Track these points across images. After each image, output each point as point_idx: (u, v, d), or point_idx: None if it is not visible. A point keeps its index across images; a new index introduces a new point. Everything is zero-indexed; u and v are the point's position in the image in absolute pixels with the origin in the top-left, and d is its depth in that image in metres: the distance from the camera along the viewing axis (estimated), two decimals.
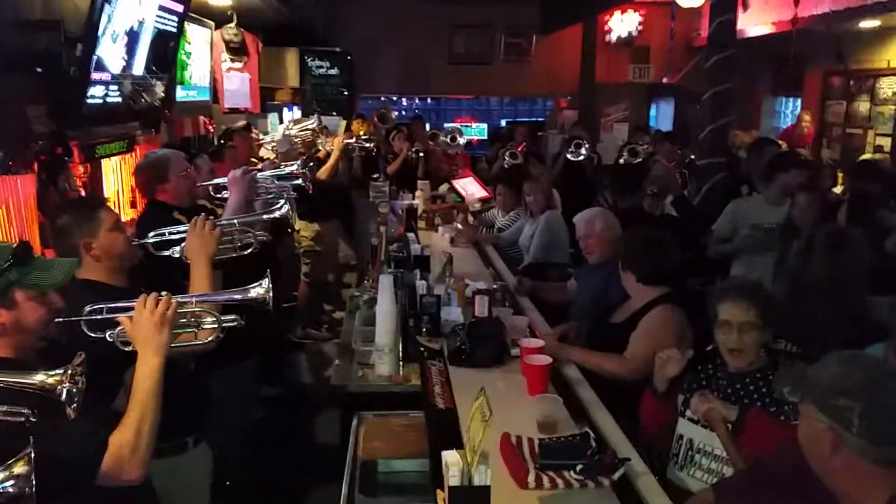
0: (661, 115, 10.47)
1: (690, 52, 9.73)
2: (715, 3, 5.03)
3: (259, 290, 1.94)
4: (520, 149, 7.90)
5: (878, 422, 1.43)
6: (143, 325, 1.74)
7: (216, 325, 1.86)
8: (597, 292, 3.41)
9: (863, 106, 8.15)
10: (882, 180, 4.91)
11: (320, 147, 5.91)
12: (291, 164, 4.02)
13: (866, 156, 6.62)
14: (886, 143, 7.70)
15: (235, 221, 2.71)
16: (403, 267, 3.67)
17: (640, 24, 9.63)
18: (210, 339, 1.89)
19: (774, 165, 4.37)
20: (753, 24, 7.98)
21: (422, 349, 2.88)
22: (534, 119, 13.00)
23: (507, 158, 6.98)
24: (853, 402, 1.44)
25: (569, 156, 6.84)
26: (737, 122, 8.67)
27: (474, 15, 9.95)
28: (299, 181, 3.66)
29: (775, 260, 3.88)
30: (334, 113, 8.59)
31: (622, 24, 9.68)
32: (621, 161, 6.37)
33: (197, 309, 1.87)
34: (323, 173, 5.46)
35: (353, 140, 5.74)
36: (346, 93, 9.14)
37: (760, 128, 9.94)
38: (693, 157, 5.81)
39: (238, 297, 1.96)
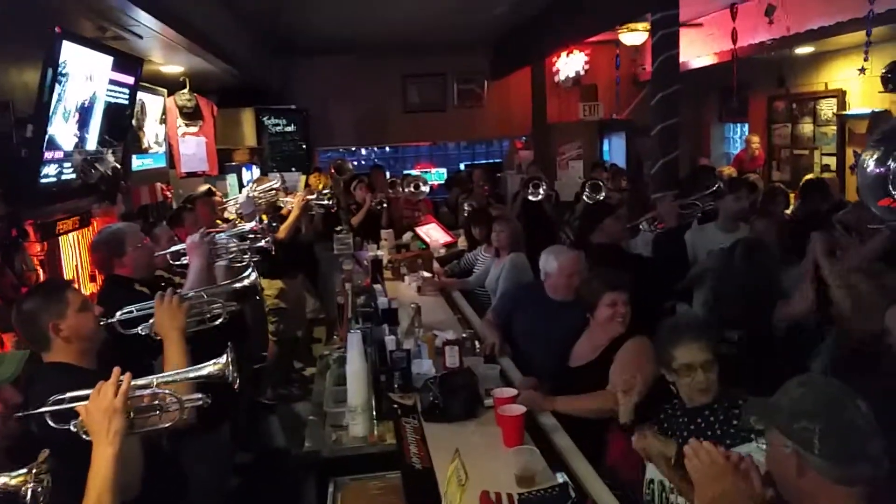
0: (614, 150, 10.70)
1: (637, 87, 10.03)
2: (657, 41, 5.18)
3: (215, 366, 1.89)
4: (485, 191, 8.02)
5: (838, 441, 1.47)
6: (96, 414, 1.68)
7: (180, 408, 1.82)
8: (562, 329, 3.42)
9: (807, 128, 8.46)
10: (829, 198, 5.09)
11: (282, 205, 5.92)
12: (250, 223, 4.02)
13: (812, 176, 6.83)
14: (832, 161, 7.98)
15: (203, 294, 2.69)
16: (371, 321, 3.66)
17: (586, 63, 9.89)
18: (177, 420, 1.85)
19: (716, 193, 4.52)
20: (696, 55, 8.27)
21: (395, 406, 2.86)
22: (491, 161, 13.17)
23: (465, 208, 7.06)
24: (813, 424, 1.48)
25: (530, 197, 6.95)
26: (688, 151, 8.93)
27: (426, 64, 10.14)
28: (261, 243, 3.66)
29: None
30: (293, 168, 8.62)
31: (569, 64, 9.93)
32: (585, 198, 6.48)
33: (158, 391, 1.83)
34: (283, 231, 5.45)
35: (314, 196, 5.76)
36: (304, 147, 9.19)
37: (711, 154, 10.23)
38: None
39: (193, 375, 1.92)
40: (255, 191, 5.81)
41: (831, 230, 4.36)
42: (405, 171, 11.15)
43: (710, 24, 8.08)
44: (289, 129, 8.98)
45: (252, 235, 3.44)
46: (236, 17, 6.66)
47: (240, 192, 6.80)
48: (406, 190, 7.95)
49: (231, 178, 7.36)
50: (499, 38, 9.36)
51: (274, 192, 5.83)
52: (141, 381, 1.82)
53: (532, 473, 2.25)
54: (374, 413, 2.76)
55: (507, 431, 2.54)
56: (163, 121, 5.94)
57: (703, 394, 2.27)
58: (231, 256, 3.38)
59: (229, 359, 1.89)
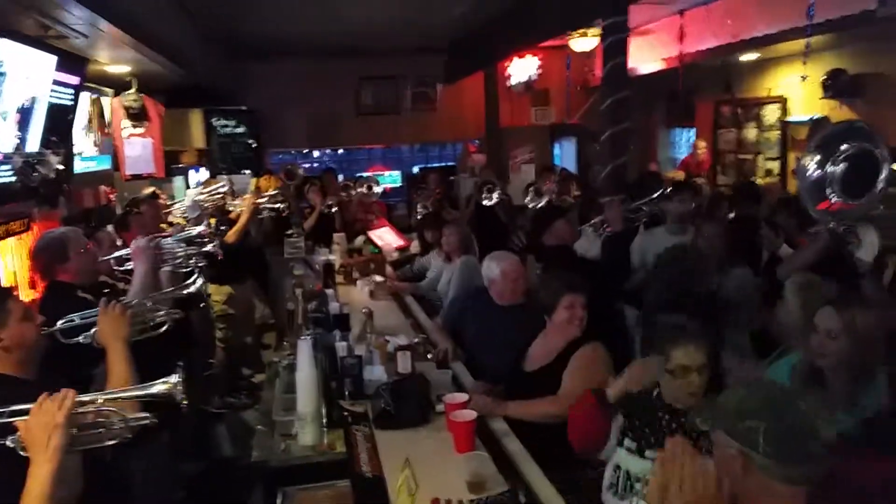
0: (566, 154, 10.83)
1: (587, 92, 10.16)
2: (607, 47, 5.26)
3: (164, 385, 1.84)
4: (434, 197, 8.02)
5: (782, 441, 1.50)
6: (36, 430, 1.62)
7: (124, 426, 1.76)
8: (512, 334, 3.43)
9: (751, 133, 8.69)
10: (761, 202, 5.24)
11: (231, 209, 5.81)
12: (197, 227, 3.94)
13: (758, 180, 7.03)
14: (776, 166, 8.23)
15: (147, 301, 2.63)
16: (322, 327, 3.62)
17: (538, 68, 9.97)
18: (120, 438, 1.79)
19: (662, 196, 4.61)
20: (644, 62, 8.42)
21: (346, 413, 2.83)
22: (445, 164, 13.19)
23: (419, 209, 7.06)
24: (757, 424, 1.51)
25: (484, 202, 6.99)
26: (637, 156, 9.09)
27: (380, 67, 10.10)
28: (208, 247, 3.59)
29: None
30: (243, 171, 8.50)
31: (521, 69, 10.00)
32: (527, 202, 6.55)
33: (103, 408, 1.77)
34: (232, 235, 5.35)
35: (264, 200, 5.67)
36: (254, 149, 9.07)
37: (658, 159, 10.44)
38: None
39: (140, 394, 1.87)
40: (201, 193, 5.69)
41: (761, 232, 4.52)
42: (358, 174, 11.07)
43: (658, 31, 8.25)
44: (239, 130, 8.85)
45: (200, 240, 3.37)
46: (186, 16, 6.53)
47: (186, 194, 6.65)
48: (359, 191, 7.92)
49: (178, 181, 7.21)
50: (452, 42, 9.39)
51: (222, 195, 5.72)
52: (85, 398, 1.75)
53: (483, 479, 2.25)
54: (325, 421, 2.72)
55: (458, 437, 2.54)
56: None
57: (691, 397, 2.27)
58: (177, 262, 3.31)
59: (179, 378, 1.84)
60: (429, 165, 13.46)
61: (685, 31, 6.87)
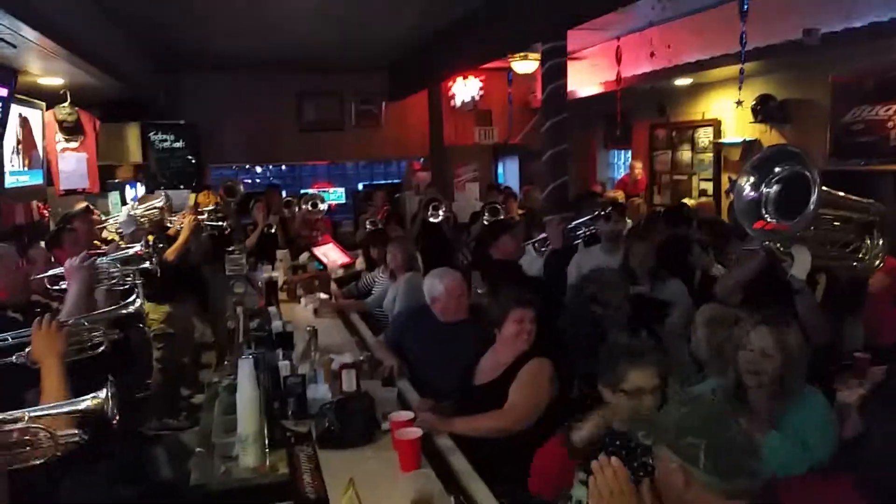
0: (508, 173, 11.00)
1: (529, 113, 10.37)
2: (546, 71, 5.40)
3: (93, 401, 1.79)
4: (381, 214, 8.03)
5: (722, 457, 1.56)
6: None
7: (53, 444, 1.71)
8: (456, 350, 3.45)
9: (685, 154, 9.00)
10: (692, 223, 5.44)
11: (169, 225, 5.69)
12: (135, 246, 3.85)
13: (691, 200, 7.27)
14: (709, 186, 8.53)
15: (84, 321, 2.56)
16: (265, 346, 3.57)
17: (481, 89, 10.15)
18: (49, 456, 1.73)
19: (597, 216, 4.75)
20: (583, 85, 8.65)
21: (288, 434, 2.79)
22: (390, 181, 13.20)
23: (367, 225, 7.05)
24: (698, 441, 1.57)
25: (430, 219, 7.04)
26: (577, 175, 9.31)
27: (323, 83, 10.08)
28: (145, 264, 3.52)
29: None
30: (182, 186, 8.32)
31: (465, 89, 10.15)
32: (485, 221, 6.64)
33: (31, 426, 1.71)
34: (172, 253, 5.24)
35: (205, 217, 5.57)
36: (193, 164, 8.90)
37: (597, 179, 10.71)
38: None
39: (68, 409, 1.82)
40: (136, 209, 5.55)
41: (693, 252, 4.69)
42: (303, 191, 10.97)
43: (596, 56, 8.49)
44: (177, 145, 8.67)
45: (137, 259, 3.30)
46: (123, 28, 6.40)
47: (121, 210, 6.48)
48: (303, 208, 7.86)
49: (113, 196, 7.01)
50: (396, 60, 9.46)
51: (159, 210, 5.59)
52: (10, 416, 1.70)
53: (428, 498, 2.26)
54: (266, 442, 2.68)
55: (403, 456, 2.54)
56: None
57: (643, 421, 2.25)
58: (113, 281, 3.23)
59: (109, 393, 1.79)
60: (374, 182, 13.43)
61: (622, 56, 7.08)
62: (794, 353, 2.37)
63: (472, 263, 6.79)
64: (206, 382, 4.28)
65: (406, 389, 3.42)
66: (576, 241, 4.97)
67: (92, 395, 1.80)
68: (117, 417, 1.81)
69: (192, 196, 7.50)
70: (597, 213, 4.97)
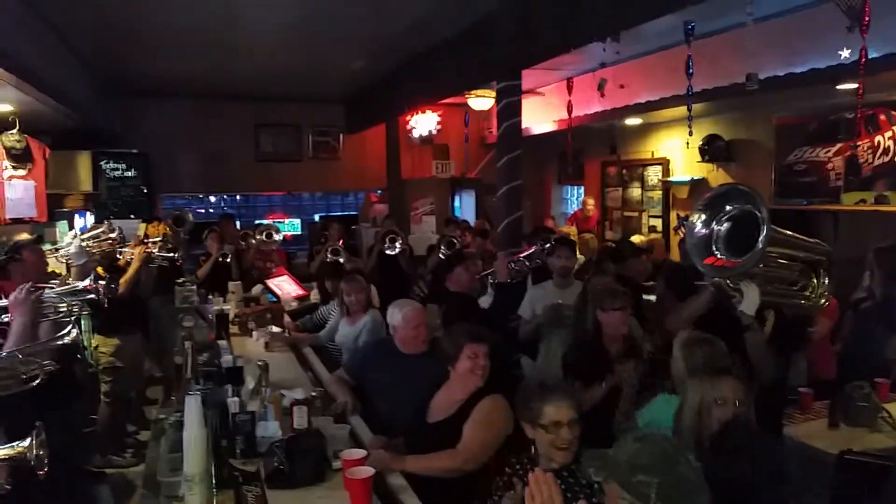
0: (465, 206, 11.09)
1: (485, 148, 10.52)
2: (502, 108, 5.50)
3: (14, 450, 1.71)
4: (336, 244, 7.97)
5: (672, 494, 1.58)
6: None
7: None
8: (415, 383, 3.43)
9: (635, 192, 9.22)
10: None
11: (119, 256, 5.56)
12: (84, 281, 3.75)
13: (637, 238, 7.41)
14: (658, 223, 8.74)
15: (18, 354, 2.48)
16: (213, 381, 3.49)
17: (438, 123, 10.27)
18: None
19: (547, 251, 4.82)
20: (537, 122, 8.83)
21: (236, 473, 2.73)
22: (347, 212, 13.18)
23: (328, 255, 7.00)
24: (650, 478, 1.59)
25: (387, 251, 7.03)
26: (532, 210, 9.44)
27: (280, 114, 10.09)
28: (91, 294, 3.42)
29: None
30: (133, 216, 8.17)
31: (422, 123, 10.27)
32: (441, 255, 6.66)
33: None
34: (122, 285, 5.12)
35: (156, 250, 5.47)
36: (145, 193, 8.76)
37: (551, 213, 10.87)
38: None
39: None
40: (86, 239, 5.41)
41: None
42: (257, 221, 10.86)
43: (550, 94, 8.69)
44: (129, 174, 8.54)
45: (86, 291, 3.21)
46: (74, 55, 6.32)
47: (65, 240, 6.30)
48: (258, 238, 7.76)
49: (62, 225, 6.84)
50: (354, 93, 9.53)
51: (111, 241, 5.46)
52: None
53: None
54: (213, 482, 2.61)
55: (353, 495, 2.50)
56: None
57: (563, 453, 2.34)
58: (60, 316, 3.14)
59: (34, 441, 1.71)
60: (330, 214, 13.38)
61: (574, 96, 7.26)
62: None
63: (429, 296, 6.82)
64: (152, 418, 4.16)
65: (359, 426, 3.38)
66: (518, 277, 5.00)
67: (11, 444, 1.71)
68: (45, 466, 1.73)
69: (142, 226, 7.36)
70: (539, 246, 5.04)
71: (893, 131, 5.81)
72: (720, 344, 2.96)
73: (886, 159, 5.90)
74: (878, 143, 5.93)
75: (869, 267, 4.94)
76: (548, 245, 4.98)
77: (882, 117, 5.87)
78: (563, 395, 2.39)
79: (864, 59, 3.93)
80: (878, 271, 4.62)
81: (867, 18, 3.81)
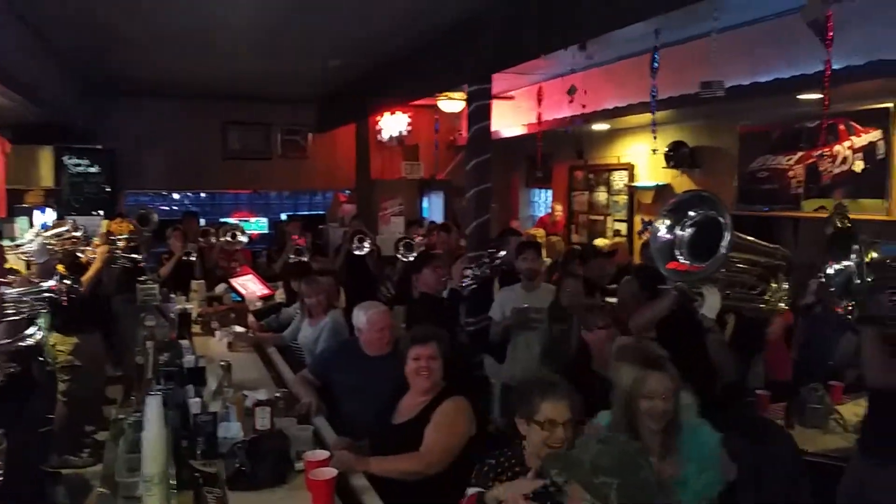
0: (434, 207, 11.10)
1: (454, 150, 10.55)
2: (472, 112, 5.51)
3: None
4: (303, 243, 7.91)
5: (632, 496, 1.60)
6: None
7: None
8: (380, 385, 3.42)
9: (601, 196, 9.32)
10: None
11: (81, 255, 5.45)
12: (48, 281, 3.68)
13: (602, 241, 7.50)
14: (623, 227, 8.84)
15: None
16: (174, 381, 3.44)
17: (408, 124, 10.27)
18: None
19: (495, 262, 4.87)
20: (507, 126, 8.88)
21: (197, 474, 2.68)
22: (314, 212, 13.09)
23: (292, 256, 6.95)
24: (610, 480, 1.61)
25: (356, 252, 7.00)
26: (500, 212, 9.48)
27: (249, 112, 9.99)
28: (53, 294, 3.36)
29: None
30: (95, 212, 8.02)
31: (392, 124, 10.25)
32: (399, 256, 6.66)
33: None
34: (84, 284, 5.01)
35: (118, 245, 5.37)
36: (108, 190, 8.61)
37: (519, 216, 10.95)
38: None
39: None
40: (47, 237, 5.30)
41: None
42: (222, 220, 10.73)
43: (520, 98, 8.75)
44: (92, 170, 8.40)
45: (51, 294, 3.15)
46: (39, 48, 6.18)
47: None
48: (222, 239, 7.66)
49: (21, 221, 6.69)
50: (325, 93, 9.47)
51: (73, 240, 5.35)
52: None
53: None
54: (173, 483, 2.57)
55: (316, 496, 2.49)
56: None
57: (553, 450, 2.31)
58: (22, 318, 3.07)
59: None
60: (297, 213, 13.27)
61: (543, 100, 7.32)
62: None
63: (395, 297, 6.81)
64: (110, 418, 4.08)
65: (323, 427, 3.36)
66: (472, 283, 5.00)
67: None
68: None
69: (105, 223, 7.23)
70: (487, 257, 5.06)
71: (852, 141, 5.96)
72: (651, 343, 3.00)
73: (845, 168, 6.05)
74: (838, 152, 6.09)
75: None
76: (497, 258, 5.00)
77: (841, 127, 6.02)
78: (562, 394, 2.35)
79: (828, 72, 4.02)
80: None
81: (830, 33, 3.90)
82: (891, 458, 2.86)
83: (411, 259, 6.66)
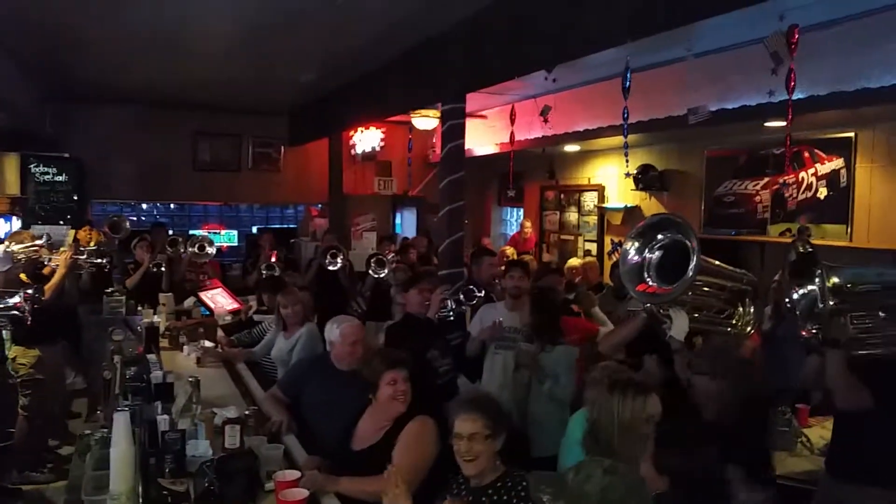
0: (406, 223, 11.12)
1: (427, 167, 10.59)
2: (446, 130, 5.56)
3: None
4: (269, 258, 7.87)
5: None
6: None
7: None
8: (351, 400, 3.40)
9: (572, 216, 9.44)
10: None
11: (45, 263, 5.35)
12: (13, 297, 3.62)
13: (574, 260, 7.59)
14: (594, 247, 8.95)
15: None
16: (142, 397, 3.39)
17: (381, 140, 10.29)
18: None
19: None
20: (480, 144, 8.95)
21: (165, 493, 2.65)
22: (286, 225, 13.00)
23: (263, 271, 6.90)
24: None
25: (329, 267, 6.98)
26: (471, 230, 9.54)
27: (220, 124, 9.93)
28: (17, 312, 3.30)
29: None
30: (62, 222, 7.89)
31: (365, 140, 10.27)
32: (371, 272, 6.65)
33: None
34: (47, 292, 4.92)
35: (84, 256, 5.28)
36: (76, 199, 8.48)
37: (491, 234, 11.01)
38: None
39: None
40: (11, 246, 5.19)
41: None
42: (191, 231, 10.59)
43: (493, 118, 8.83)
44: (59, 178, 8.28)
45: (15, 311, 3.09)
46: (8, 54, 6.09)
47: None
48: (190, 251, 7.56)
49: None
50: (299, 106, 9.47)
51: (37, 248, 5.25)
52: None
53: None
54: (140, 501, 2.54)
55: None
56: None
57: (465, 465, 2.42)
58: None
59: None
60: (268, 226, 13.16)
61: (516, 121, 7.40)
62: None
63: (367, 313, 6.79)
64: (77, 434, 4.00)
65: (293, 446, 3.33)
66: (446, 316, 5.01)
67: None
68: None
69: (72, 232, 7.11)
70: (466, 290, 5.08)
71: (816, 169, 6.13)
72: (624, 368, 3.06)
73: (810, 194, 6.22)
74: (802, 178, 6.26)
75: (776, 293, 5.20)
76: (475, 296, 5.02)
77: (806, 154, 6.20)
78: (469, 409, 2.47)
79: (791, 101, 4.14)
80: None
81: (792, 64, 4.03)
82: (856, 478, 2.94)
83: (382, 276, 6.66)
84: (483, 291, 5.12)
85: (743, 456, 2.73)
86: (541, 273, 5.69)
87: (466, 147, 5.70)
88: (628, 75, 5.09)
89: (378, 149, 10.32)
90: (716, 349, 3.15)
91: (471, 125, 6.40)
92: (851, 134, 5.86)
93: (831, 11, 4.59)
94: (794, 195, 6.35)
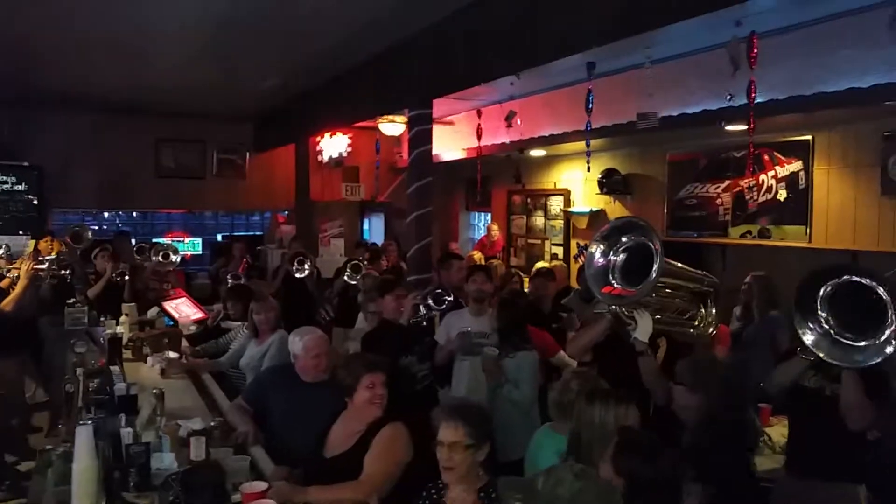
0: (374, 229, 11.10)
1: (395, 172, 10.58)
2: (413, 136, 5.58)
3: None
4: (241, 267, 7.79)
5: None
6: None
7: None
8: (316, 412, 3.37)
9: (539, 220, 9.51)
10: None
11: (3, 275, 5.23)
12: None
13: (542, 264, 7.64)
14: (560, 251, 9.02)
15: None
16: (105, 410, 3.33)
17: (348, 146, 10.26)
18: None
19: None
20: (447, 149, 8.97)
21: None
22: (252, 233, 12.88)
23: (229, 280, 6.82)
24: None
25: (296, 274, 6.92)
26: (439, 235, 9.55)
27: (183, 129, 9.80)
28: None
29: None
30: (21, 232, 7.71)
31: (332, 145, 10.22)
32: (346, 278, 6.62)
33: None
34: (7, 304, 4.82)
35: (44, 266, 5.17)
36: (36, 207, 8.31)
37: (459, 239, 11.04)
38: None
39: None
40: None
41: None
42: (155, 240, 10.44)
43: (460, 123, 8.86)
44: (18, 187, 8.12)
45: None
46: None
47: None
48: (154, 259, 7.44)
49: None
50: (264, 111, 9.39)
51: None
52: None
53: None
54: None
55: None
56: None
57: (446, 472, 2.43)
58: None
59: None
60: (234, 234, 13.04)
61: (482, 126, 7.44)
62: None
63: (335, 320, 6.76)
64: (37, 449, 3.91)
65: (260, 457, 3.29)
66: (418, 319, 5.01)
67: None
68: None
69: (32, 242, 6.94)
70: (436, 294, 5.07)
71: (776, 171, 6.26)
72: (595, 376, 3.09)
73: (769, 196, 6.34)
74: (763, 181, 6.38)
75: (745, 296, 5.31)
76: (445, 299, 5.02)
77: (766, 157, 6.33)
78: (452, 417, 2.47)
79: (752, 105, 4.22)
80: (758, 299, 5.01)
81: (753, 67, 4.11)
82: (811, 473, 3.01)
83: (355, 282, 6.61)
84: (452, 295, 5.12)
85: (718, 463, 2.77)
86: (534, 276, 5.76)
87: (434, 152, 5.72)
88: (590, 97, 5.19)
89: (345, 154, 10.29)
90: (698, 363, 3.19)
91: (438, 131, 6.41)
92: (809, 137, 6.00)
93: (788, 18, 4.71)
94: (755, 197, 6.48)
